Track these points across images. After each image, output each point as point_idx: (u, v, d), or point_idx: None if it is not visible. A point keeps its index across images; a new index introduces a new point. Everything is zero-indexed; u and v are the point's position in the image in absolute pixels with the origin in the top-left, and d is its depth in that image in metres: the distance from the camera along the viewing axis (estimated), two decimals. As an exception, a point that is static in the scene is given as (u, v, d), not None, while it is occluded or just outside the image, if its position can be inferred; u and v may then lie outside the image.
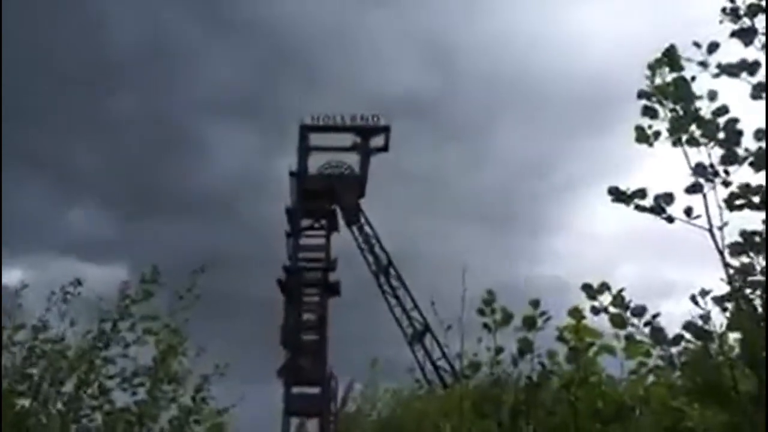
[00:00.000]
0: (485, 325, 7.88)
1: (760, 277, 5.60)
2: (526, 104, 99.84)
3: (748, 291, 5.62)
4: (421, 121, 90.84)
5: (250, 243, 72.25)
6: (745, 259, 5.69)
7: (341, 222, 60.18)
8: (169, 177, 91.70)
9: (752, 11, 5.93)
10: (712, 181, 5.81)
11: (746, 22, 6.09)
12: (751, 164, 5.96)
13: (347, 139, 61.68)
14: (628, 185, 6.09)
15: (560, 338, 7.39)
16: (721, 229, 5.82)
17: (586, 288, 6.25)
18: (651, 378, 6.64)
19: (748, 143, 6.03)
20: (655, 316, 6.08)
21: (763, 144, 6.00)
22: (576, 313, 7.18)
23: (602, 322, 6.44)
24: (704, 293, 5.69)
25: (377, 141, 61.18)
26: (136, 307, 10.49)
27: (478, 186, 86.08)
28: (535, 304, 7.59)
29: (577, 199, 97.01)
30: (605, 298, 6.19)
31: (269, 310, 54.69)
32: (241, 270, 60.52)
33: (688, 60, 6.17)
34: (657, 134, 6.24)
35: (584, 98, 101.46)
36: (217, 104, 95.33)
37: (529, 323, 7.54)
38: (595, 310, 6.19)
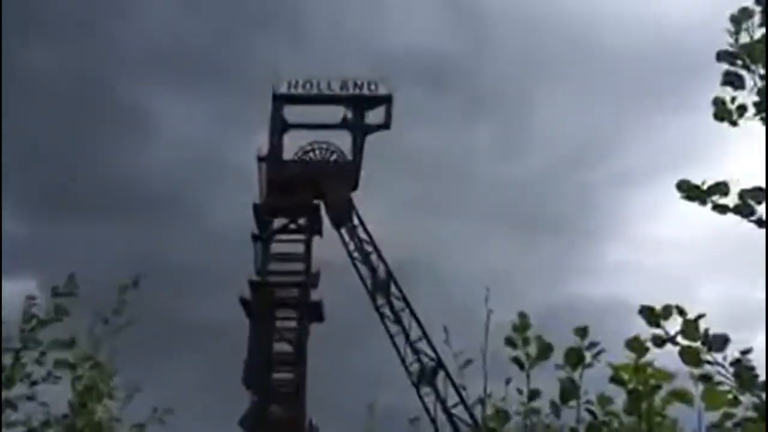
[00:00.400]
0: (516, 361, 7.77)
1: None
2: (575, 72, 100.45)
3: None
4: (435, 91, 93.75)
5: (204, 249, 74.85)
6: None
7: (326, 223, 61.87)
8: (95, 162, 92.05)
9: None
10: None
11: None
12: None
13: (336, 112, 63.30)
14: (705, 177, 5.87)
15: (616, 379, 7.27)
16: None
17: (646, 312, 6.11)
18: (739, 434, 6.55)
19: None
20: (745, 353, 5.95)
21: None
22: (637, 345, 7.05)
23: (673, 359, 6.34)
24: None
25: (375, 116, 62.64)
26: (46, 330, 10.35)
27: (510, 177, 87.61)
28: (583, 332, 7.48)
29: (638, 195, 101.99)
30: (673, 325, 6.05)
31: (229, 339, 56.63)
32: (191, 285, 66.55)
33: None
34: (742, 109, 5.99)
35: (650, 64, 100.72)
36: (161, 63, 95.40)
37: (575, 358, 7.42)
38: (659, 341, 6.06)
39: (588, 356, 7.18)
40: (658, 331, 6.07)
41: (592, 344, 7.18)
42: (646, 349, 6.86)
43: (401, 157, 74.66)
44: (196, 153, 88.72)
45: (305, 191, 60.73)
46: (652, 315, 6.09)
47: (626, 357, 6.92)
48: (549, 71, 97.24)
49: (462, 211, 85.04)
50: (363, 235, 60.80)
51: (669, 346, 6.11)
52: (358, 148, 62.21)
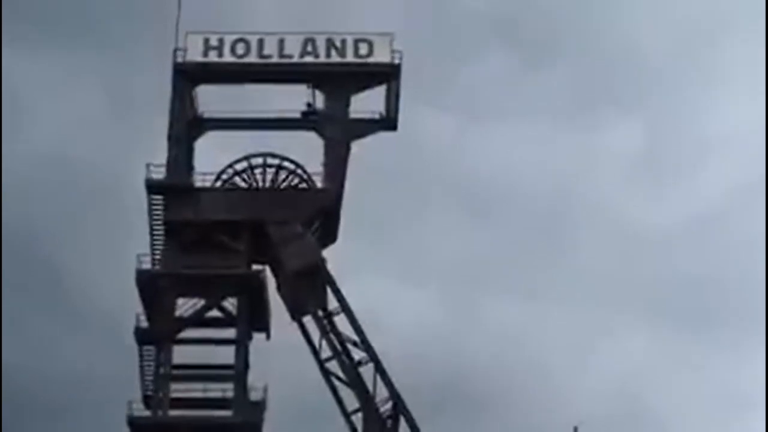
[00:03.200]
0: None
1: None
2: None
3: None
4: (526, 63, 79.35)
5: (48, 356, 61.74)
6: None
7: (277, 306, 47.26)
8: None
9: None
10: None
11: None
12: None
13: (294, 97, 49.27)
14: None
15: None
16: None
17: None
18: None
19: None
20: None
21: None
22: None
23: None
24: None
25: (372, 99, 48.91)
26: None
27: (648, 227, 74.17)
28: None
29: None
30: None
31: None
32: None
33: None
34: None
35: None
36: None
37: None
38: None
39: None
40: None
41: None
42: None
43: (416, 169, 67.14)
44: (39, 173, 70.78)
45: (236, 249, 46.17)
46: None
47: None
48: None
49: (560, 285, 70.22)
50: (348, 332, 45.18)
51: None
52: (338, 162, 48.09)
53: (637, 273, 71.26)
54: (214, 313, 46.77)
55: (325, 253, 48.40)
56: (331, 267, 48.11)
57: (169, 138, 47.70)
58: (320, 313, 45.07)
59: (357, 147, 49.37)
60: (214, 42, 47.80)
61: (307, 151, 50.05)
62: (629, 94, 78.89)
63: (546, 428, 49.42)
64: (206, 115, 48.68)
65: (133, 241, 48.32)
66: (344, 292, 46.72)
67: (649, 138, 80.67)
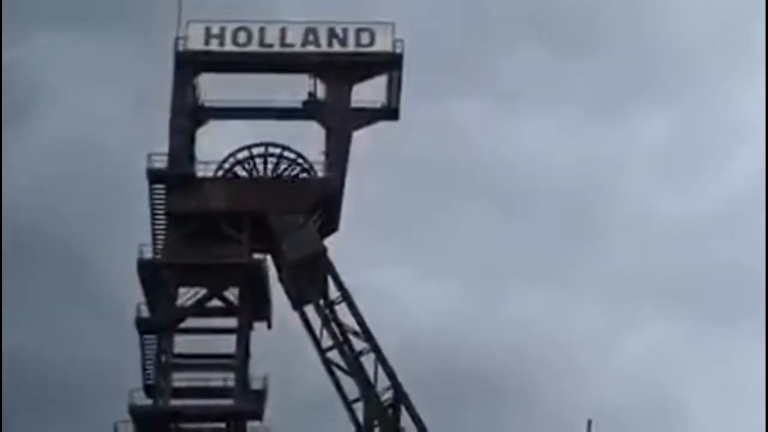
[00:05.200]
0: None
1: None
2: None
3: None
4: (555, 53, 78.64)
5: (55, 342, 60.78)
6: None
7: (279, 295, 47.36)
8: None
9: None
10: None
11: None
12: None
13: (295, 87, 49.31)
14: None
15: None
16: None
17: None
18: None
19: None
20: None
21: None
22: None
23: None
24: None
25: (373, 89, 48.99)
26: None
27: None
28: None
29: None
30: None
31: None
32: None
33: None
34: None
35: None
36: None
37: None
38: None
39: None
40: None
41: None
42: None
43: (422, 163, 65.64)
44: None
45: (238, 239, 46.15)
46: None
47: None
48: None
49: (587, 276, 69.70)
50: (349, 321, 45.20)
51: None
52: (339, 152, 47.96)
53: (665, 264, 70.87)
54: (216, 302, 46.00)
55: (348, 243, 48.88)
56: (353, 257, 47.26)
57: (171, 127, 47.43)
58: (321, 302, 45.09)
59: (382, 135, 49.65)
60: (215, 30, 47.67)
61: (309, 140, 49.12)
62: (660, 85, 77.93)
63: (568, 418, 48.90)
64: (208, 104, 48.57)
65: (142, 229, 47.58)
66: (364, 281, 47.36)
67: (679, 128, 79.95)
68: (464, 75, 70.38)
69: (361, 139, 48.85)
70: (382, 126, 49.98)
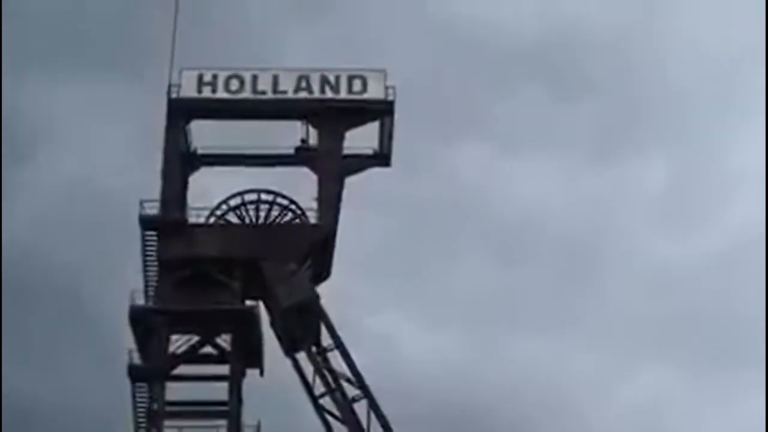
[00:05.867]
0: None
1: None
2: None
3: None
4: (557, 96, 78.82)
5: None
6: None
7: (271, 342, 46.66)
8: None
9: None
10: None
11: None
12: None
13: (288, 134, 49.25)
14: None
15: None
16: None
17: None
18: None
19: None
20: None
21: None
22: None
23: None
24: None
25: (366, 137, 48.68)
26: None
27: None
28: None
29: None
30: None
31: None
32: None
33: None
34: None
35: None
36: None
37: None
38: None
39: None
40: None
41: None
42: None
43: (428, 210, 65.53)
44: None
45: (230, 286, 45.41)
46: None
47: None
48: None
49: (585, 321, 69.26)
50: (342, 368, 44.44)
51: None
52: (331, 198, 47.60)
53: (663, 308, 69.91)
54: (208, 349, 45.25)
55: (346, 289, 47.48)
56: (349, 303, 46.53)
57: (163, 174, 47.03)
58: (314, 349, 44.40)
59: (380, 180, 49.31)
60: (208, 78, 47.53)
61: (301, 186, 48.66)
62: (657, 128, 77.40)
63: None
64: (200, 151, 48.47)
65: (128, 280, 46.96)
66: (364, 328, 46.53)
67: (677, 171, 79.07)
68: (462, 118, 69.80)
69: (358, 183, 48.28)
70: (379, 170, 49.30)
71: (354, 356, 44.86)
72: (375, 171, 48.60)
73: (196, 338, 45.40)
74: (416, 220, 65.94)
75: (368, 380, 44.57)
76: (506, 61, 76.25)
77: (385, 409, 42.90)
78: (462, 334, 69.68)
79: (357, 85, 47.47)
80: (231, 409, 43.34)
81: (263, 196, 47.14)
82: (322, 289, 45.80)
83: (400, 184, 53.33)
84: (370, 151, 48.13)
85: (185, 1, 49.92)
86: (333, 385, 44.06)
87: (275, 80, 47.42)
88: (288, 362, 44.42)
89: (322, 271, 46.85)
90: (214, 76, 47.30)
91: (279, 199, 46.95)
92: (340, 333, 44.69)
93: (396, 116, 47.80)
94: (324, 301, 45.18)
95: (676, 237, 76.19)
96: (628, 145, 77.43)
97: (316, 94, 47.45)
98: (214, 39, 58.12)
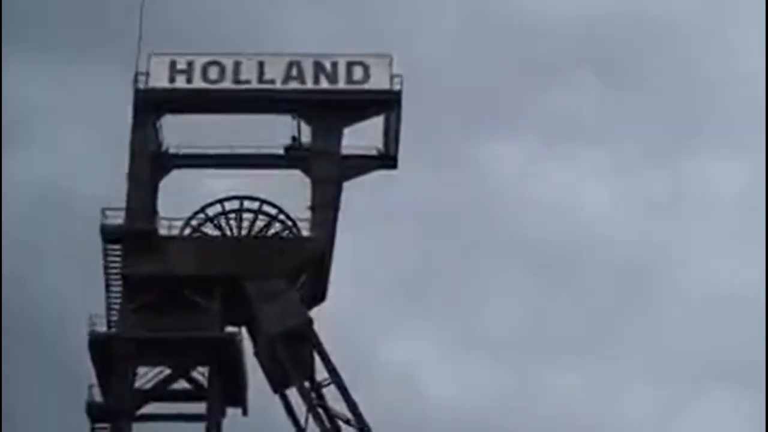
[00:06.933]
0: None
1: None
2: None
3: None
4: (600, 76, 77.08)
5: None
6: None
7: (257, 375, 43.42)
8: None
9: None
10: None
11: None
12: None
13: (277, 129, 46.10)
14: None
15: None
16: None
17: None
18: None
19: None
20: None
21: None
22: None
23: None
24: None
25: (364, 137, 45.83)
26: None
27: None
28: None
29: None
30: None
31: None
32: None
33: None
34: None
35: None
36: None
37: None
38: None
39: None
40: None
41: None
42: None
43: (448, 220, 62.73)
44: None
45: (207, 309, 42.02)
46: None
47: None
48: None
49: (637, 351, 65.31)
50: (339, 408, 41.44)
51: None
52: (327, 206, 44.24)
53: (723, 335, 66.21)
54: (181, 384, 42.62)
55: (357, 310, 46.69)
56: (365, 327, 43.74)
57: (129, 177, 44.10)
58: (306, 384, 41.22)
59: (388, 184, 47.39)
60: (182, 65, 44.62)
61: (292, 192, 45.86)
62: (728, 121, 73.34)
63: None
64: (172, 151, 45.02)
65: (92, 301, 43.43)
66: (380, 355, 44.98)
67: (753, 175, 73.50)
68: (490, 110, 66.72)
69: (363, 188, 45.57)
70: (385, 173, 46.38)
71: (363, 393, 41.90)
72: (379, 174, 45.09)
73: (167, 371, 41.80)
74: (431, 232, 62.61)
75: (381, 421, 41.62)
76: (548, 43, 72.51)
77: (399, 455, 40.24)
78: (493, 365, 65.83)
79: (357, 73, 44.63)
80: (209, 456, 41.53)
81: (246, 204, 44.12)
82: (315, 313, 42.17)
83: (409, 190, 50.99)
84: (373, 152, 45.04)
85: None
86: (329, 426, 40.95)
87: (261, 67, 44.59)
88: (276, 399, 41.28)
89: (317, 292, 44.00)
90: (190, 63, 44.40)
91: (265, 207, 43.84)
92: (342, 366, 41.31)
93: (404, 109, 44.33)
94: (318, 327, 41.36)
95: (753, 254, 73.05)
96: (693, 141, 73.13)
97: (309, 84, 44.40)
98: (189, 17, 54.79)
